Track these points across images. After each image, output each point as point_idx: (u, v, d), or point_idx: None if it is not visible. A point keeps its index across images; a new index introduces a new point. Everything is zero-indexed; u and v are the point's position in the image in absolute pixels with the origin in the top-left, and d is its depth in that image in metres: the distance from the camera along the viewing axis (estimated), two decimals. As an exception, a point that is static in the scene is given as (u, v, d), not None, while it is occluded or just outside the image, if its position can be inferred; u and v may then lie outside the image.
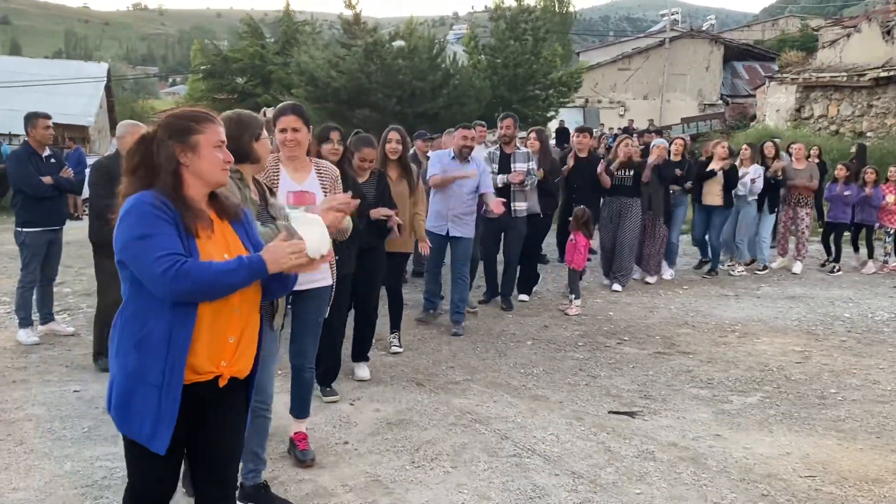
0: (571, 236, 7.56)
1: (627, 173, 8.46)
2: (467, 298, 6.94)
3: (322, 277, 3.85)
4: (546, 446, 4.23)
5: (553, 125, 26.72)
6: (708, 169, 9.23)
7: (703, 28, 49.38)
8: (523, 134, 9.21)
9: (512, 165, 7.36)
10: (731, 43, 37.47)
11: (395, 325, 6.15)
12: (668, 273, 9.30)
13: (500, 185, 7.17)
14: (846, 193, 9.71)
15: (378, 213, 5.12)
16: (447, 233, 6.58)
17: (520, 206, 7.40)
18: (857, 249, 10.12)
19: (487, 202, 6.54)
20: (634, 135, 22.63)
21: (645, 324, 7.17)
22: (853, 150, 13.29)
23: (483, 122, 8.33)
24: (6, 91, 27.62)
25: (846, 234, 10.17)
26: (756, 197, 9.42)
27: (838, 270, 9.79)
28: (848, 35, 23.15)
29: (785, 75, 24.34)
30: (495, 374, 5.59)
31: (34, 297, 6.35)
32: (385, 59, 18.06)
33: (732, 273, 9.53)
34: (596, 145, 11.57)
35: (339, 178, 4.09)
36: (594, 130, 26.20)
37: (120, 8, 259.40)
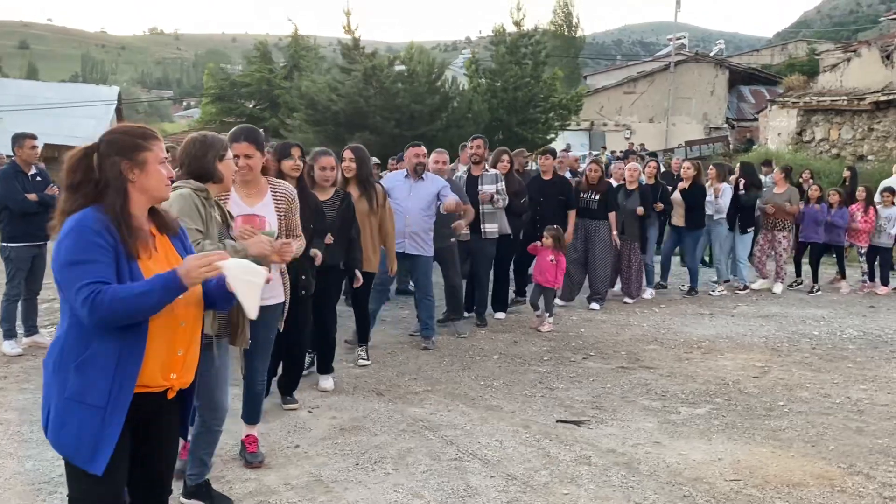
0: (552, 256, 7.60)
1: (593, 196, 8.60)
2: (434, 315, 6.98)
3: (273, 295, 3.92)
4: (488, 451, 4.41)
5: (557, 146, 27.05)
6: (679, 188, 9.48)
7: (712, 53, 49.77)
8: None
9: (479, 187, 7.47)
10: (736, 67, 37.72)
11: (363, 340, 6.27)
12: (647, 293, 9.46)
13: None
14: (818, 216, 9.92)
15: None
16: (404, 251, 6.58)
17: (490, 228, 7.50)
18: (841, 272, 10.28)
19: (444, 204, 6.58)
20: (610, 157, 22.88)
21: (614, 340, 7.33)
22: (846, 173, 13.42)
23: (480, 136, 8.43)
24: (20, 114, 28.21)
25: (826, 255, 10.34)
26: (724, 215, 9.59)
27: (818, 290, 9.92)
28: (848, 59, 23.34)
29: (786, 99, 24.52)
30: (455, 385, 5.77)
31: (19, 309, 6.61)
32: (384, 83, 18.40)
33: (712, 293, 9.67)
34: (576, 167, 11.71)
35: (297, 199, 4.14)
36: (597, 154, 26.51)
37: (136, 32, 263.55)
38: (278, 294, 4.00)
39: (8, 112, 28.20)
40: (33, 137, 6.52)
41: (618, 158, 23.33)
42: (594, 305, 8.73)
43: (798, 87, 25.56)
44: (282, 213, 4.02)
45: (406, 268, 7.21)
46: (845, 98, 22.01)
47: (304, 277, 4.54)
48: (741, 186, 9.73)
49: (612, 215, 8.63)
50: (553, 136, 23.83)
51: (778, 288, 9.94)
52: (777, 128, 25.36)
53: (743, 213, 9.78)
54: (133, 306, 2.21)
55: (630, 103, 36.00)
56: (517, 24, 22.16)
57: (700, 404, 5.43)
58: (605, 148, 29.64)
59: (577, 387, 5.81)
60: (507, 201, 7.62)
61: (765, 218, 9.94)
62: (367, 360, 6.23)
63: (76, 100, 31.24)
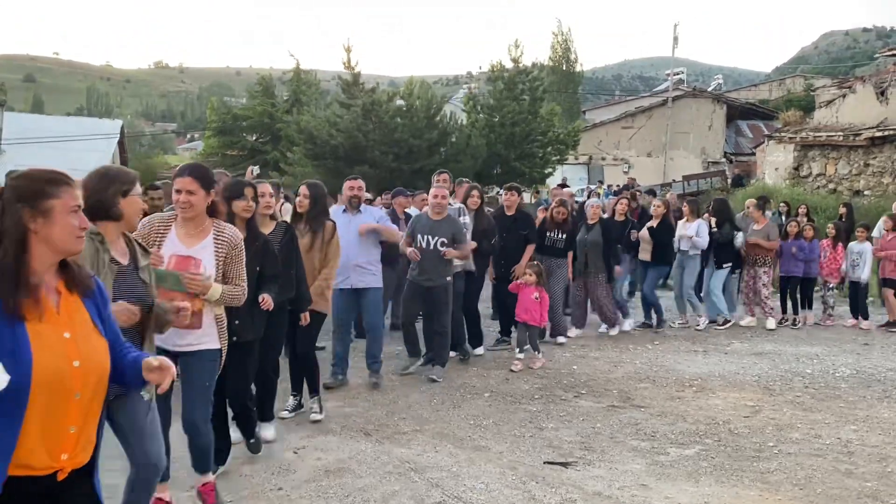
0: (536, 293, 7.61)
1: (560, 235, 8.69)
2: (381, 348, 6.82)
3: (203, 341, 3.76)
4: (473, 494, 4.38)
5: (553, 181, 27.19)
6: (647, 226, 9.66)
7: (711, 87, 50.19)
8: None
9: None
10: (734, 102, 38.03)
11: (313, 390, 5.75)
12: (626, 325, 9.53)
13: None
14: (793, 250, 10.10)
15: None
16: (351, 286, 6.42)
17: (455, 263, 7.33)
18: (803, 304, 10.39)
19: (373, 230, 6.56)
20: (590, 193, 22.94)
21: (606, 378, 7.31)
22: (842, 209, 13.49)
23: (447, 171, 8.48)
24: (24, 147, 28.39)
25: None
26: (699, 252, 9.68)
27: (799, 324, 10.04)
28: (843, 95, 23.56)
29: (783, 134, 24.70)
30: (445, 425, 5.75)
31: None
32: (383, 117, 18.57)
33: (699, 328, 9.72)
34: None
35: (241, 248, 3.90)
36: (594, 188, 26.62)
37: (142, 66, 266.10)
38: (211, 340, 3.78)
39: (11, 145, 28.41)
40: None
41: (615, 193, 23.48)
42: (561, 339, 8.76)
43: (795, 122, 25.76)
44: (221, 259, 3.80)
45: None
46: (841, 134, 22.16)
47: (237, 322, 4.16)
48: (712, 224, 9.80)
49: (569, 255, 8.82)
50: (551, 170, 24.02)
51: (770, 323, 10.01)
52: (774, 162, 25.50)
53: (718, 249, 9.83)
54: None
55: (628, 138, 36.26)
56: (515, 61, 22.41)
57: (689, 445, 5.40)
58: (601, 182, 29.76)
59: (566, 426, 5.79)
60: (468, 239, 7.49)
61: (747, 254, 10.04)
62: (321, 413, 5.67)
63: (79, 133, 31.48)
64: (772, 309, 10.13)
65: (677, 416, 6.09)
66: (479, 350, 8.08)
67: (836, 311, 10.54)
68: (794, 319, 10.15)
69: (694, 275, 9.93)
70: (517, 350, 7.63)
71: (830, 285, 10.34)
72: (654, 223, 9.66)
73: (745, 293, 10.27)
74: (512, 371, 7.38)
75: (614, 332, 9.23)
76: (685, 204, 10.19)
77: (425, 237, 6.91)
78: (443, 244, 6.88)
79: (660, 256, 9.67)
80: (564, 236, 8.72)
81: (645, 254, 9.67)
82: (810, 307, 10.40)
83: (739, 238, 9.92)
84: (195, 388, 3.79)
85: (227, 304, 3.82)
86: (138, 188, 3.14)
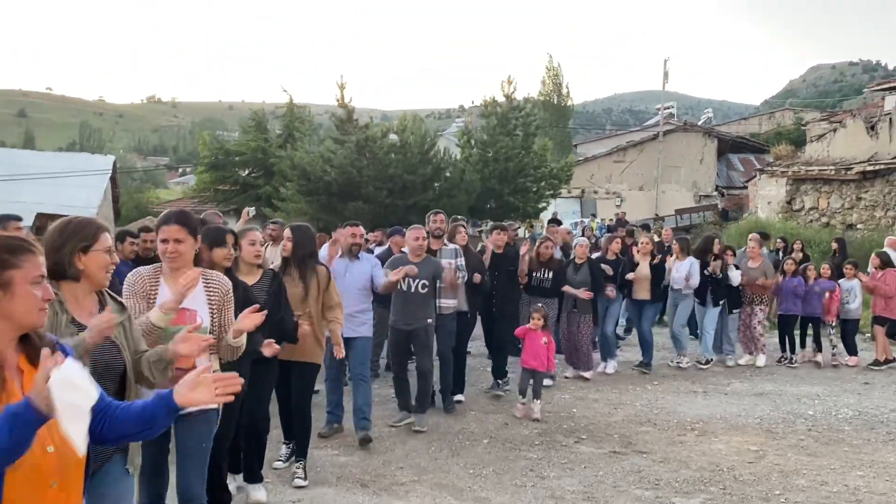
0: (544, 338, 7.36)
1: (547, 274, 8.51)
2: (370, 401, 6.43)
3: None
4: (475, 551, 4.24)
5: (546, 216, 27.21)
6: (635, 264, 9.53)
7: (701, 121, 50.62)
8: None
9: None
10: (725, 136, 38.33)
11: (301, 453, 5.42)
12: (609, 367, 9.36)
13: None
14: (794, 286, 9.96)
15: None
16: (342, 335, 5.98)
17: (446, 304, 7.23)
18: (803, 343, 10.26)
19: (383, 286, 6.35)
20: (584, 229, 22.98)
21: (606, 421, 7.19)
22: (834, 244, 13.43)
23: (442, 211, 8.35)
24: (15, 184, 28.27)
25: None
26: (692, 290, 9.56)
27: (796, 363, 9.93)
28: (834, 130, 23.78)
29: (775, 168, 24.86)
30: (444, 474, 5.61)
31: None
32: (377, 153, 18.58)
33: (681, 365, 9.61)
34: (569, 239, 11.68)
35: (231, 293, 3.75)
36: (587, 222, 26.65)
37: (135, 100, 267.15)
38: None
39: (2, 182, 28.28)
40: (18, 219, 6.49)
41: (609, 228, 23.49)
42: (547, 381, 8.41)
43: (786, 156, 25.96)
44: (214, 308, 3.64)
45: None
46: (833, 168, 22.30)
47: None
48: (711, 265, 9.66)
49: (565, 288, 8.66)
50: (545, 204, 24.04)
51: (761, 360, 9.93)
52: (767, 196, 25.63)
53: (713, 287, 9.72)
54: None
55: (620, 171, 36.43)
56: (508, 97, 22.53)
57: (694, 494, 5.28)
58: (594, 216, 29.82)
59: (568, 475, 5.66)
60: (465, 277, 7.40)
61: (743, 292, 9.97)
62: (305, 479, 5.26)
63: (71, 169, 31.38)
64: (764, 346, 10.04)
65: (680, 463, 5.97)
66: (460, 396, 7.70)
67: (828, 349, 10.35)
68: (792, 359, 10.01)
69: (687, 313, 9.82)
70: (520, 396, 7.36)
71: (833, 324, 10.19)
72: (645, 261, 9.49)
73: (742, 331, 10.18)
74: (515, 416, 7.19)
75: (589, 375, 8.92)
76: (675, 242, 10.08)
77: (406, 280, 6.60)
78: (423, 286, 6.68)
79: (657, 293, 9.60)
80: (551, 275, 8.54)
81: (644, 293, 9.48)
82: (819, 349, 10.11)
83: (736, 277, 9.83)
84: (191, 454, 3.58)
85: (229, 357, 3.65)
86: (104, 241, 2.81)
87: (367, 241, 11.23)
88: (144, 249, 7.23)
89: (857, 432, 6.91)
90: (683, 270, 9.45)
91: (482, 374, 8.76)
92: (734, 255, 10.19)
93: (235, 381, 2.13)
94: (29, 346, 2.01)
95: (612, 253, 9.55)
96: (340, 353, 5.64)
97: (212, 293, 3.65)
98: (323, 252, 6.66)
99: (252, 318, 3.56)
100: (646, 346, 9.57)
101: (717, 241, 10.08)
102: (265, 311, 3.64)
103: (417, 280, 6.67)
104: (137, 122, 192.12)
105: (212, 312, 3.62)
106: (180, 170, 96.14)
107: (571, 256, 9.36)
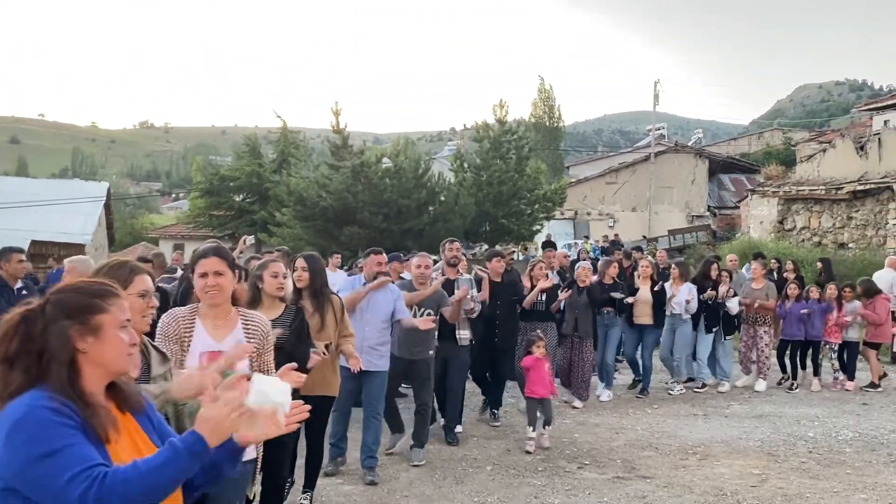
0: (547, 364, 7.26)
1: (541, 298, 8.40)
2: (380, 440, 6.22)
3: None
4: (484, 581, 4.25)
5: (540, 238, 27.32)
6: (636, 288, 9.50)
7: (691, 142, 51.06)
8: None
9: (455, 293, 6.98)
10: (715, 157, 38.65)
11: (310, 484, 5.37)
12: (604, 395, 9.23)
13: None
14: (803, 311, 9.86)
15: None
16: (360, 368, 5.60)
17: (464, 335, 7.17)
18: (804, 366, 10.20)
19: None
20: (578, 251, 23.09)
21: (609, 447, 7.20)
22: (819, 264, 13.22)
23: (456, 239, 8.28)
24: (8, 212, 28.17)
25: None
26: (690, 315, 9.53)
27: (796, 387, 9.89)
28: (824, 150, 24.00)
29: (766, 188, 25.06)
30: (449, 502, 5.62)
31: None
32: (372, 178, 18.68)
33: (672, 392, 9.57)
34: (567, 264, 11.71)
35: (271, 335, 3.57)
36: (581, 243, 26.76)
37: (127, 126, 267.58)
38: (250, 449, 3.21)
39: (-5, 209, 28.21)
40: (20, 251, 6.52)
41: (603, 250, 23.58)
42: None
43: (777, 176, 26.19)
44: (254, 352, 3.37)
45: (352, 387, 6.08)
46: (823, 188, 22.49)
47: None
48: (707, 293, 9.66)
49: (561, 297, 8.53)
50: (539, 227, 24.17)
51: (761, 385, 9.88)
52: (759, 216, 25.83)
53: (708, 313, 9.71)
54: (153, 485, 1.74)
55: (613, 193, 36.68)
56: (500, 121, 22.71)
57: (699, 520, 5.30)
58: (587, 238, 29.96)
59: (573, 501, 5.67)
60: (479, 308, 7.30)
61: (745, 313, 9.95)
62: None
63: (66, 196, 31.38)
64: (768, 370, 10.06)
65: (684, 488, 5.99)
66: (459, 428, 7.48)
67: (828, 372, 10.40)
68: (793, 384, 9.95)
69: (686, 339, 9.66)
70: (530, 429, 7.06)
71: (835, 347, 10.14)
72: (646, 285, 9.49)
73: (743, 352, 10.18)
74: (528, 452, 6.89)
75: (580, 404, 8.75)
76: (673, 266, 10.06)
77: (410, 308, 6.44)
78: (428, 315, 6.54)
79: (660, 318, 9.51)
80: (544, 297, 8.42)
81: (646, 318, 9.44)
82: (817, 373, 10.12)
83: (734, 306, 9.76)
84: None
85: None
86: (139, 284, 2.67)
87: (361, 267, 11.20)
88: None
89: (858, 454, 6.95)
90: (684, 296, 9.44)
91: (469, 398, 8.32)
92: (731, 278, 10.09)
93: (303, 409, 2.01)
94: (116, 391, 1.98)
95: (609, 277, 9.45)
96: (358, 363, 5.26)
97: (251, 334, 3.41)
98: (337, 278, 6.60)
99: (292, 377, 3.34)
100: (646, 371, 9.55)
101: (714, 265, 10.03)
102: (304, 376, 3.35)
103: (422, 308, 6.59)
104: (130, 148, 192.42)
105: (251, 356, 3.32)
106: (173, 195, 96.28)
107: (568, 280, 9.34)
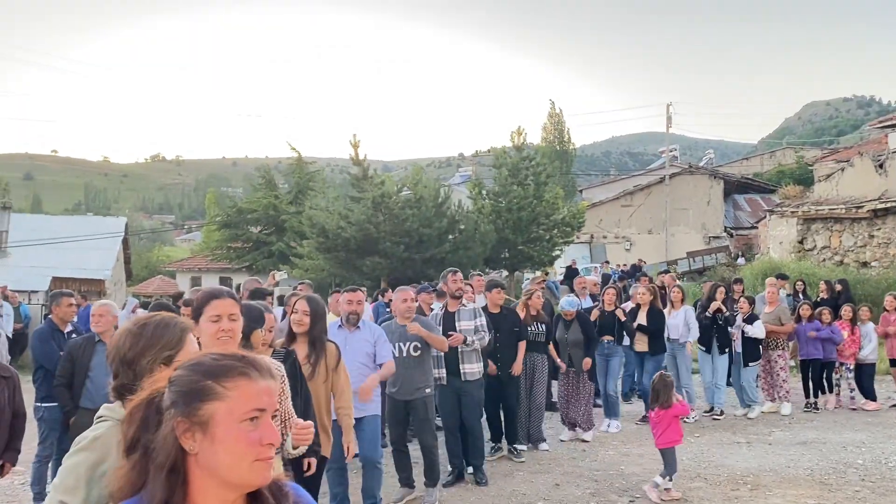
0: (655, 412, 6.70)
1: (540, 328, 8.28)
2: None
3: None
4: None
5: (560, 263, 27.31)
6: (636, 324, 9.30)
7: (702, 162, 51.10)
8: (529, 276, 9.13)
9: (457, 324, 6.91)
10: (730, 177, 38.62)
11: None
12: (613, 426, 9.09)
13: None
14: (809, 334, 9.96)
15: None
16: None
17: (469, 368, 6.89)
18: (823, 388, 10.22)
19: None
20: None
21: (657, 478, 7.14)
22: (838, 286, 12.93)
23: (480, 273, 8.18)
24: (27, 249, 28.38)
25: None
26: (689, 339, 9.50)
27: (819, 409, 9.90)
28: (842, 169, 23.97)
29: (785, 209, 25.01)
30: (506, 540, 5.57)
31: (48, 470, 6.46)
32: (392, 209, 18.76)
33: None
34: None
35: (287, 380, 3.38)
36: (600, 267, 26.71)
37: (139, 159, 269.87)
38: None
39: (16, 248, 28.44)
40: (70, 295, 6.57)
41: (624, 274, 23.53)
42: (544, 446, 8.22)
43: (795, 196, 26.19)
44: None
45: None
46: (843, 206, 22.44)
47: None
48: (710, 309, 9.66)
49: (550, 347, 8.47)
50: (558, 252, 24.17)
51: (786, 409, 9.84)
52: (778, 237, 25.75)
53: (719, 334, 9.68)
54: None
55: (628, 216, 36.68)
56: (518, 147, 22.83)
57: (763, 553, 5.23)
58: (607, 262, 29.92)
59: (631, 537, 5.62)
60: (485, 339, 7.02)
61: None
62: None
63: (83, 232, 31.62)
64: (788, 392, 9.99)
65: (741, 520, 5.93)
66: (470, 468, 7.09)
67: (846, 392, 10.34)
68: (815, 403, 9.94)
69: (688, 364, 9.62)
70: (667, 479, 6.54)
71: (850, 367, 10.17)
72: (643, 312, 9.31)
73: (764, 377, 10.12)
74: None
75: (588, 437, 8.56)
76: (675, 290, 9.97)
77: (396, 345, 6.13)
78: (416, 349, 6.21)
79: (656, 345, 9.34)
80: (543, 327, 8.31)
81: (641, 344, 9.35)
82: (831, 390, 10.19)
83: (759, 330, 9.66)
84: None
85: (296, 455, 3.22)
86: (191, 345, 2.26)
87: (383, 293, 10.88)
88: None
89: (912, 481, 6.87)
90: (680, 319, 9.42)
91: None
92: (752, 306, 9.94)
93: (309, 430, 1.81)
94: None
95: (608, 304, 9.34)
96: (353, 450, 4.96)
97: None
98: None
99: (304, 435, 3.18)
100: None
101: (721, 289, 9.99)
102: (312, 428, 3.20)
103: (408, 342, 6.22)
104: (142, 182, 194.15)
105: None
106: (186, 227, 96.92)
107: (594, 305, 9.30)
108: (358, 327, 5.74)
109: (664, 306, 9.74)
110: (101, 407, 2.15)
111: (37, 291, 22.73)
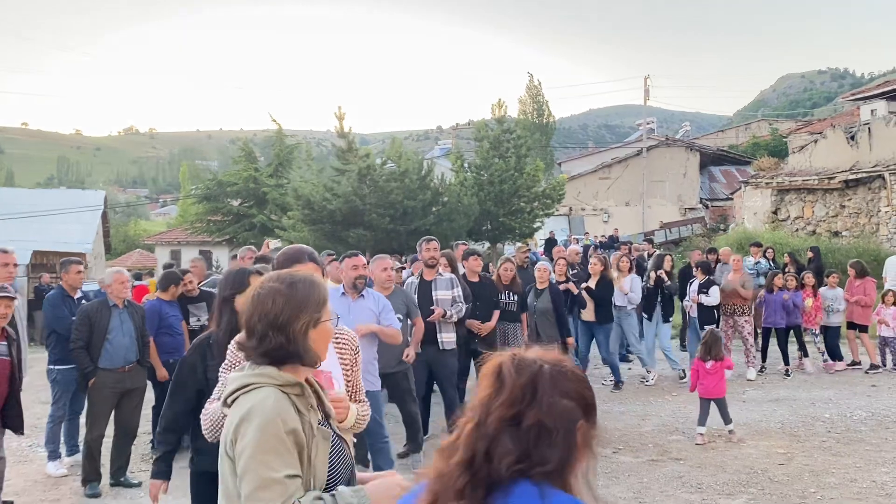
0: (710, 364, 7.20)
1: (512, 297, 8.31)
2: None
3: None
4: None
5: (540, 235, 27.74)
6: (584, 286, 9.56)
7: (679, 135, 51.63)
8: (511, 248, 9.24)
9: (433, 293, 6.89)
10: (706, 150, 39.13)
11: None
12: (649, 379, 9.67)
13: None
14: (784, 297, 10.36)
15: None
16: None
17: (447, 338, 6.88)
18: (788, 353, 10.52)
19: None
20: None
21: (638, 432, 7.59)
22: (809, 253, 13.54)
23: (465, 242, 8.31)
24: (6, 222, 28.12)
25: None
26: (634, 306, 9.87)
27: (789, 373, 10.32)
28: (815, 141, 24.50)
29: (759, 180, 25.56)
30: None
31: (61, 430, 6.76)
32: (377, 181, 19.00)
33: (647, 383, 9.88)
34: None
35: (360, 351, 3.15)
36: (581, 238, 27.20)
37: (112, 132, 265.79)
38: None
39: (-7, 219, 28.22)
40: (78, 262, 6.82)
41: (601, 245, 24.01)
42: None
43: (769, 168, 26.71)
44: (347, 368, 2.99)
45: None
46: (815, 178, 22.99)
47: None
48: (653, 278, 10.10)
49: (523, 316, 8.42)
50: (539, 224, 24.56)
51: (751, 373, 10.26)
52: (752, 207, 26.31)
53: (664, 303, 10.15)
54: None
55: (606, 188, 37.13)
56: (499, 120, 23.08)
57: (736, 495, 5.68)
58: (588, 233, 30.37)
59: (615, 483, 6.05)
60: (463, 310, 6.98)
61: (724, 303, 10.19)
62: None
63: (62, 206, 31.45)
64: (754, 358, 10.45)
65: (717, 467, 6.38)
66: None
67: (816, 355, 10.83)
68: (787, 370, 10.34)
69: (633, 331, 9.98)
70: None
71: (816, 332, 10.66)
72: (592, 282, 9.58)
73: (725, 343, 10.53)
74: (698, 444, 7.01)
75: None
76: (623, 259, 10.22)
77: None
78: (399, 321, 5.94)
79: (603, 314, 9.53)
80: (516, 297, 8.31)
81: (589, 314, 9.53)
82: (806, 354, 10.65)
83: (714, 297, 9.94)
84: None
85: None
86: (329, 308, 2.13)
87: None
88: (187, 291, 7.36)
89: (874, 432, 7.37)
90: (627, 287, 9.73)
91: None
92: (707, 274, 10.17)
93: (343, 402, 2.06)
94: None
95: (559, 275, 9.39)
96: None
97: (343, 350, 3.01)
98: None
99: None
100: (612, 367, 9.74)
101: (668, 258, 10.53)
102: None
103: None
104: (115, 155, 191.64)
105: (345, 374, 2.99)
106: (161, 201, 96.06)
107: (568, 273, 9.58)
108: (362, 296, 5.60)
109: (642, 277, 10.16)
110: (247, 374, 2.00)
111: (17, 265, 22.74)
